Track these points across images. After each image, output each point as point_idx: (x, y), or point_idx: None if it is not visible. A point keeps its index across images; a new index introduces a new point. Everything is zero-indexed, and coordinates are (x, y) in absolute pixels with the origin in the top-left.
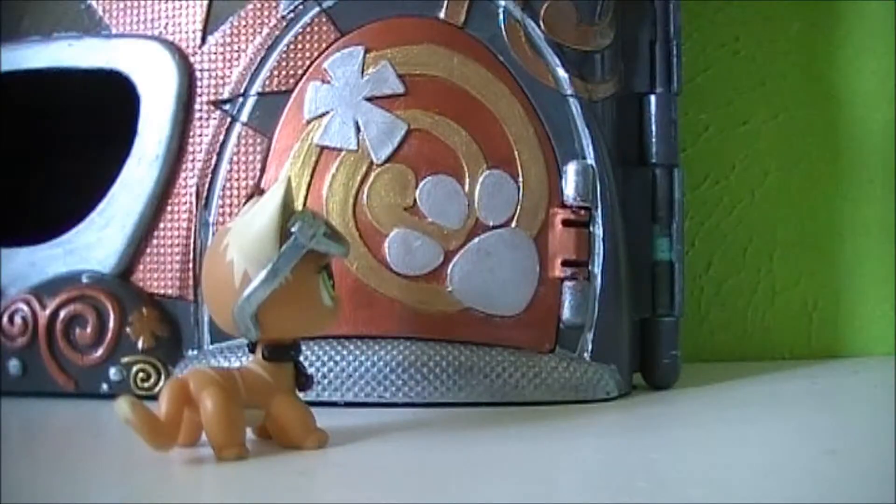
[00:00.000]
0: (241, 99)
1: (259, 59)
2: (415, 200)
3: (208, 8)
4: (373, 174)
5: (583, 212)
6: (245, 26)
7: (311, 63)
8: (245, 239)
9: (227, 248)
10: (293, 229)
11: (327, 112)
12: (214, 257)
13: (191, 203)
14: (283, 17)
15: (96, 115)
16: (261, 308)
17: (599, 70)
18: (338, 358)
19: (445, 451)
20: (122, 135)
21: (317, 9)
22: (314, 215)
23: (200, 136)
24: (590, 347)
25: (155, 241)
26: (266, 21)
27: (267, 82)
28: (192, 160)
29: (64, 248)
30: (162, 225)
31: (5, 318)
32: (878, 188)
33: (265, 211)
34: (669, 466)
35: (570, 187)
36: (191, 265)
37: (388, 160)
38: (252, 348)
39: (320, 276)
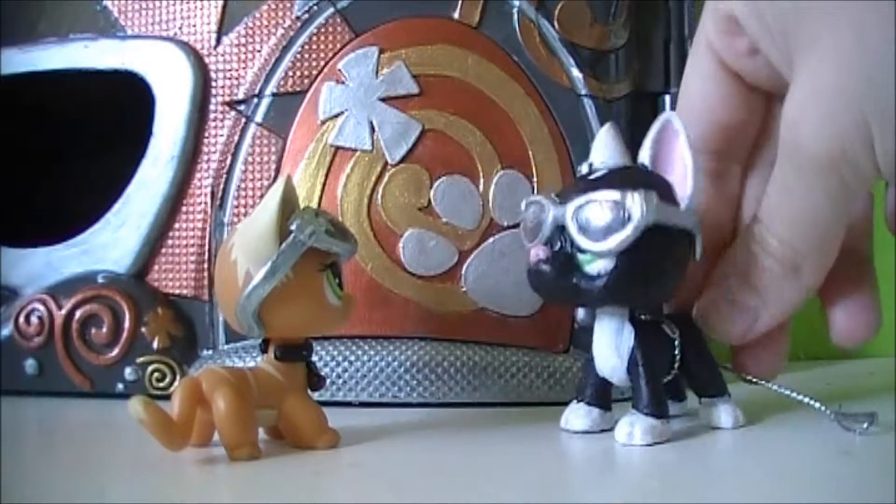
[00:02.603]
0: (255, 99)
1: (274, 59)
2: (429, 201)
3: (223, 9)
4: (387, 174)
5: None
6: (260, 27)
7: (326, 63)
8: (246, 238)
9: (233, 248)
10: (292, 227)
11: (342, 112)
12: (222, 257)
13: (206, 203)
14: (298, 18)
15: (111, 115)
16: (264, 306)
17: (614, 70)
18: (352, 358)
19: (459, 451)
20: (137, 135)
21: (331, 9)
22: (316, 213)
23: (215, 136)
24: None
25: (170, 242)
26: (281, 22)
27: (281, 83)
28: (207, 161)
29: (79, 249)
30: (177, 225)
31: (21, 318)
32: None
33: (265, 209)
34: (683, 466)
35: None
36: (206, 265)
37: (402, 160)
38: (264, 348)
39: (324, 274)
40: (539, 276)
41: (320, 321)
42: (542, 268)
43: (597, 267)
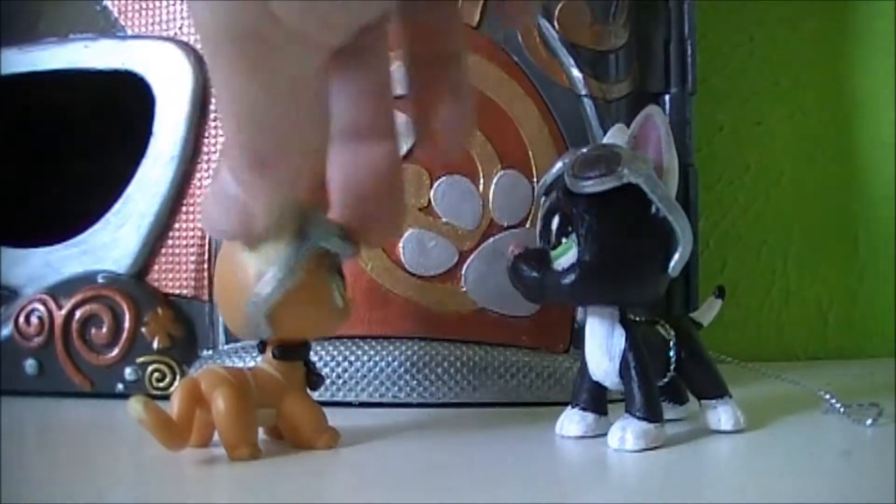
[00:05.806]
0: None
1: None
2: (429, 201)
3: None
4: None
5: None
6: None
7: None
8: None
9: (238, 248)
10: (303, 228)
11: None
12: (224, 257)
13: None
14: None
15: (112, 115)
16: (274, 307)
17: (614, 70)
18: (352, 358)
19: (459, 451)
20: (137, 135)
21: None
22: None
23: (215, 136)
24: None
25: (170, 242)
26: None
27: None
28: (207, 160)
29: (80, 249)
30: (177, 225)
31: (21, 318)
32: (892, 188)
33: None
34: (683, 466)
35: None
36: (206, 265)
37: (402, 160)
38: (262, 348)
39: (332, 276)
40: (513, 273)
41: (327, 323)
42: (517, 264)
43: (564, 261)
